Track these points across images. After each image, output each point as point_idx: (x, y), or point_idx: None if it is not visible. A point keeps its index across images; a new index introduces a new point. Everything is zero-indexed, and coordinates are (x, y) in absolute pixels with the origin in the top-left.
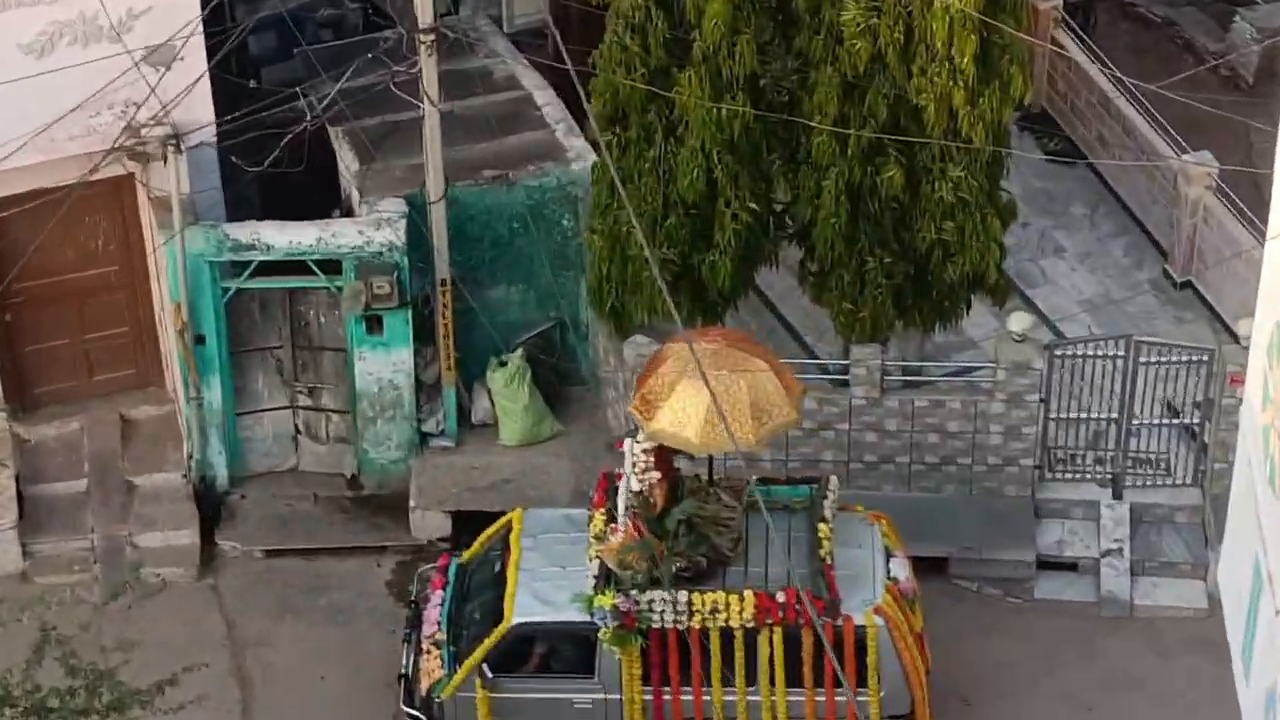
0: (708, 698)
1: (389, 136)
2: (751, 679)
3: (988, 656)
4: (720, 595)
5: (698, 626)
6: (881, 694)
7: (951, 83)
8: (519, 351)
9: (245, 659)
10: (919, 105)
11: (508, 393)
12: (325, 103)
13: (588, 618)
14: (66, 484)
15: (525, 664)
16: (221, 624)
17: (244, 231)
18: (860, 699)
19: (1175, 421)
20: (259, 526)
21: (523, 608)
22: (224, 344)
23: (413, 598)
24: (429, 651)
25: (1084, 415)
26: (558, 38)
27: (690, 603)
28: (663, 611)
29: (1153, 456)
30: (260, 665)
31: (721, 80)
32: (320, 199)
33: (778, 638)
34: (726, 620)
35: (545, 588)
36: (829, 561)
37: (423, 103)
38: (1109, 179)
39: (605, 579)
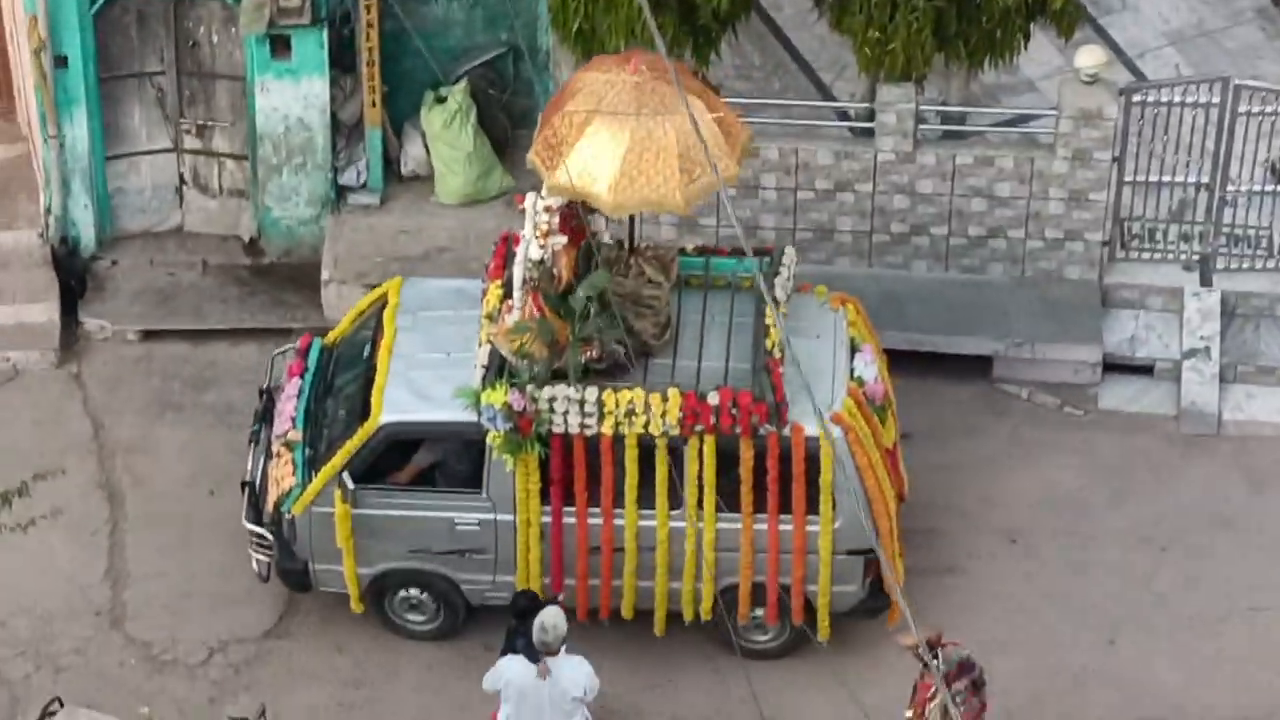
0: (620, 522)
1: None
2: (676, 501)
3: (1039, 483)
4: (639, 394)
5: (610, 433)
6: (837, 524)
7: None
8: (462, 84)
9: (114, 467)
10: None
11: (447, 136)
12: None
13: (474, 418)
14: None
15: (397, 474)
16: (86, 422)
17: None
18: (810, 529)
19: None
20: (134, 301)
21: (394, 404)
22: (92, 68)
23: (264, 387)
24: (279, 455)
25: (1167, 179)
26: None
27: (601, 402)
28: (566, 412)
29: (1252, 233)
30: (131, 475)
31: None
32: None
33: (709, 449)
34: (646, 426)
35: (424, 379)
36: (776, 355)
37: None
38: None
39: (497, 370)
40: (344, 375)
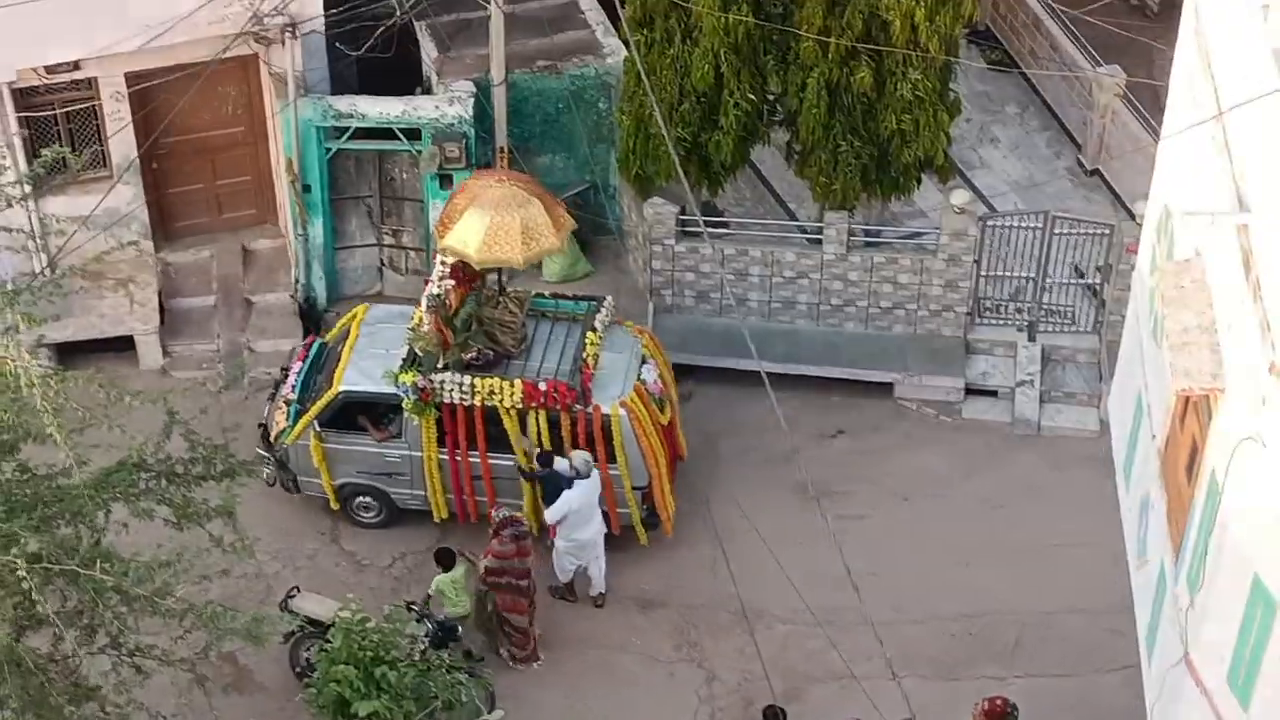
0: (489, 460)
1: (462, 31)
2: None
3: (922, 463)
4: (495, 381)
5: (480, 404)
6: (624, 470)
7: (914, 2)
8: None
9: None
10: (887, 20)
11: None
12: (413, 2)
13: (395, 389)
14: (199, 299)
15: (350, 423)
16: None
17: (344, 103)
18: (612, 471)
19: (1081, 281)
20: None
21: (348, 379)
22: (325, 192)
23: (284, 366)
24: (280, 408)
25: (1008, 273)
26: None
27: (473, 385)
28: (451, 390)
29: (1061, 309)
30: None
31: None
32: (406, 79)
33: (542, 419)
34: (501, 401)
35: (369, 365)
36: (589, 362)
37: (490, 4)
38: (1037, 85)
39: (411, 361)
40: (327, 361)
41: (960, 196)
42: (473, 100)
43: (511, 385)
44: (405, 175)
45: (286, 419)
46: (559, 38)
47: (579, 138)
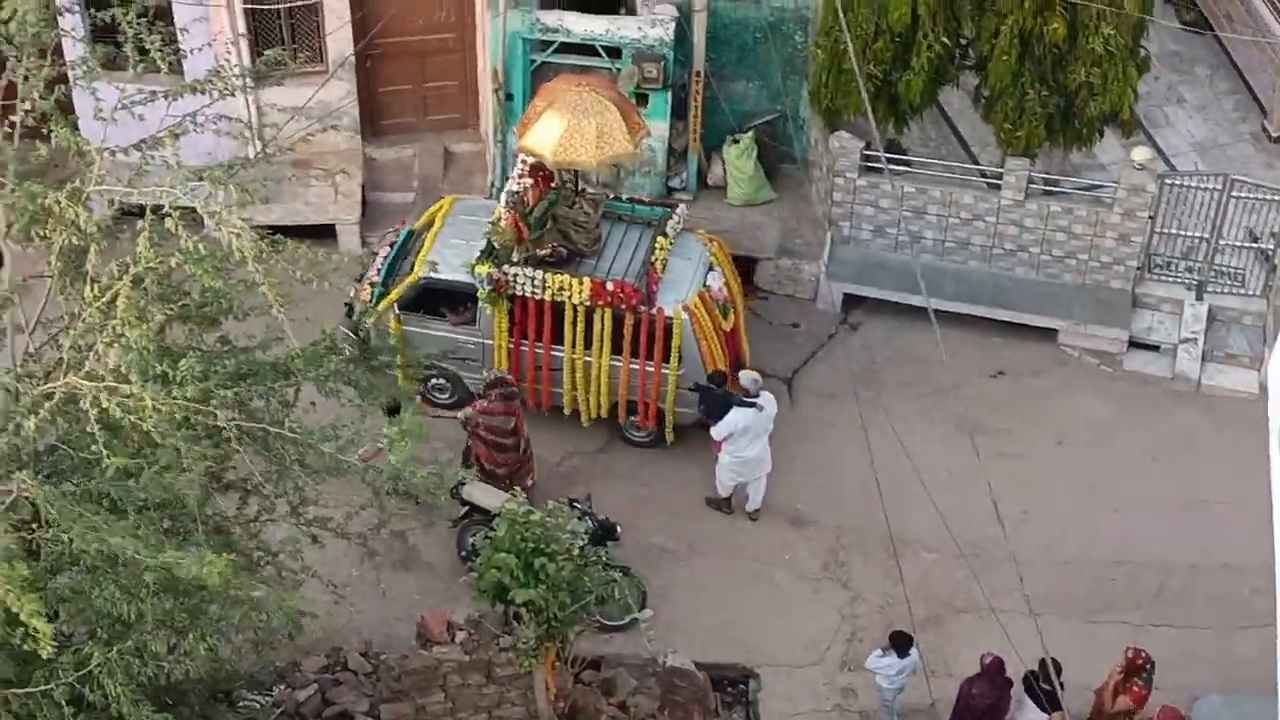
0: (556, 352)
1: None
2: (587, 344)
3: (1080, 409)
4: (565, 278)
5: (550, 299)
6: (681, 370)
7: None
8: (750, 132)
9: None
10: None
11: (738, 163)
12: None
13: (470, 279)
14: (400, 194)
15: (429, 308)
16: None
17: (551, 18)
18: (665, 372)
19: (1253, 245)
20: None
21: (428, 267)
22: (526, 102)
23: (373, 250)
24: (366, 289)
25: (1181, 232)
26: None
27: (544, 280)
28: (523, 284)
29: (1231, 270)
30: None
31: None
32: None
33: (608, 316)
34: (569, 297)
35: (449, 254)
36: (656, 266)
37: None
38: (1229, 48)
39: (488, 253)
40: (413, 249)
41: (1142, 153)
42: (674, 24)
43: (580, 283)
44: None
45: (370, 300)
46: None
47: (773, 68)
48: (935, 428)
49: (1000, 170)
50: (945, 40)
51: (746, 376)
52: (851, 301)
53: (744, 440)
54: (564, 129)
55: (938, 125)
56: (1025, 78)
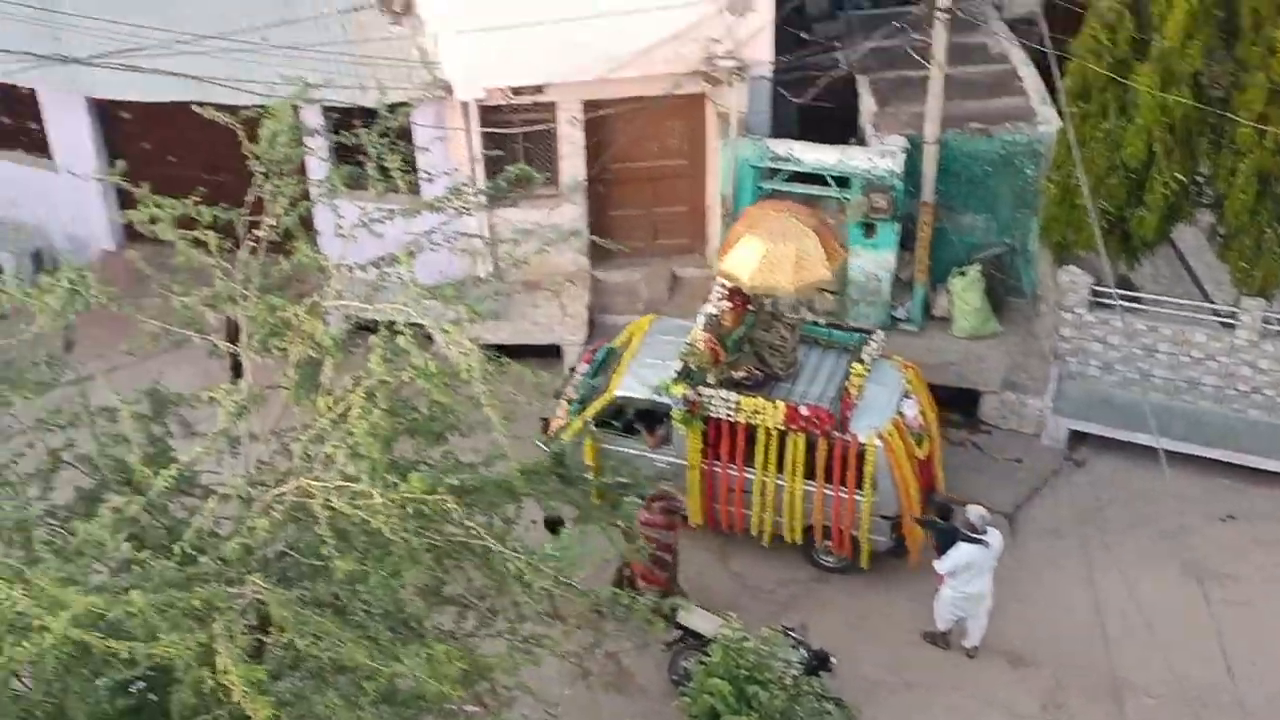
0: (749, 475)
1: (901, 88)
2: (780, 468)
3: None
4: (760, 401)
5: (744, 422)
6: (875, 498)
7: None
8: (977, 265)
9: None
10: None
11: (964, 295)
12: (857, 56)
13: (665, 399)
14: (626, 317)
15: (624, 426)
16: None
17: (782, 147)
18: (857, 498)
19: None
20: None
21: (624, 386)
22: None
23: (571, 368)
24: (562, 405)
25: None
26: (1044, 26)
27: (739, 403)
28: (718, 406)
29: None
30: None
31: (1171, 75)
32: (841, 129)
33: (801, 441)
34: (763, 421)
35: (646, 373)
36: (851, 392)
37: (931, 65)
38: None
39: (683, 374)
40: (609, 366)
41: None
42: (904, 155)
43: (775, 406)
44: (832, 221)
45: (567, 415)
46: (993, 102)
47: (1003, 200)
48: (1161, 570)
49: (1235, 309)
50: (1180, 177)
51: (974, 512)
52: (1077, 438)
53: (968, 575)
54: (763, 254)
55: (1170, 262)
56: (1263, 216)
